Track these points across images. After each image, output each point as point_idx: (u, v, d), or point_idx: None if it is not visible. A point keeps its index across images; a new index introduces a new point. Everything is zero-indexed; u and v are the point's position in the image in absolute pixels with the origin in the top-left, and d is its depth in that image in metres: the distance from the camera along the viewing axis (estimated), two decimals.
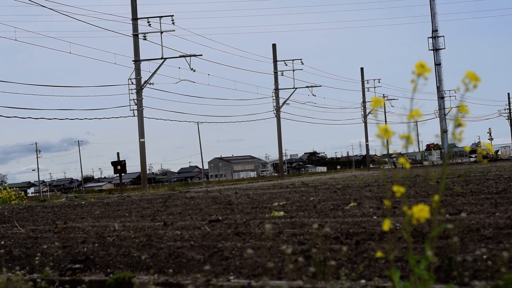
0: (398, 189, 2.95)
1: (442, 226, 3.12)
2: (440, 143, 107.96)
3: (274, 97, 64.45)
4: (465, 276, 4.82)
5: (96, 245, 7.44)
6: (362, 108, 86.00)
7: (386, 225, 2.98)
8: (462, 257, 5.11)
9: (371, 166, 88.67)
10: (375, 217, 8.57)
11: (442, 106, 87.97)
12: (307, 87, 67.94)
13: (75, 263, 6.63)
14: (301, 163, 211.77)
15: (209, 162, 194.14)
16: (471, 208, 8.91)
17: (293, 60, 65.50)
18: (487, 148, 3.17)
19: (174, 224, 9.18)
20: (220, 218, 9.55)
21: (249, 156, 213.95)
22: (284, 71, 65.41)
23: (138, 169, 54.75)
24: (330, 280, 5.08)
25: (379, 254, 3.16)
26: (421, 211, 2.91)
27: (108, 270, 6.36)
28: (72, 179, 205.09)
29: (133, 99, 42.82)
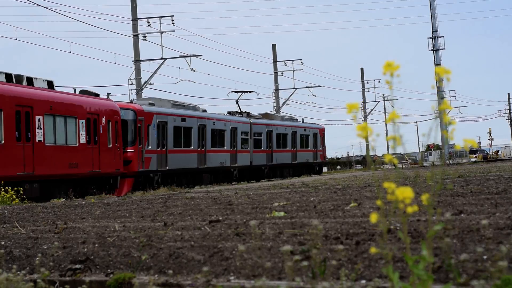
0: (389, 186, 2.96)
1: (438, 225, 3.13)
2: (435, 143, 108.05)
3: (274, 97, 64.45)
4: (464, 276, 4.82)
5: (96, 245, 7.45)
6: (362, 108, 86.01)
7: (373, 217, 2.99)
8: (462, 257, 5.11)
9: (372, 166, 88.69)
10: (374, 212, 8.58)
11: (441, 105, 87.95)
12: (307, 87, 68.01)
13: (75, 263, 6.64)
14: None
15: None
16: (471, 209, 8.92)
17: (293, 60, 65.58)
18: (470, 144, 3.20)
19: (174, 224, 9.19)
20: (220, 218, 9.56)
21: None
22: (284, 71, 65.45)
23: None
24: (330, 280, 5.09)
25: (373, 250, 3.17)
26: (404, 193, 2.93)
27: (108, 270, 6.37)
28: None
29: (133, 100, 42.90)
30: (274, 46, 66.15)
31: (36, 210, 14.28)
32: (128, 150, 29.87)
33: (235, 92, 47.55)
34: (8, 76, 23.78)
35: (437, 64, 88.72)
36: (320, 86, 70.16)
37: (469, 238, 6.22)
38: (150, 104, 33.21)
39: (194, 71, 44.83)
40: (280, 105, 64.02)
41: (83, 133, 26.59)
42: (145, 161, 30.94)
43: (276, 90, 64.55)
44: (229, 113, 44.63)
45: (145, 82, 43.36)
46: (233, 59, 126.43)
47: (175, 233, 8.00)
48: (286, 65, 65.44)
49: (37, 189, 24.10)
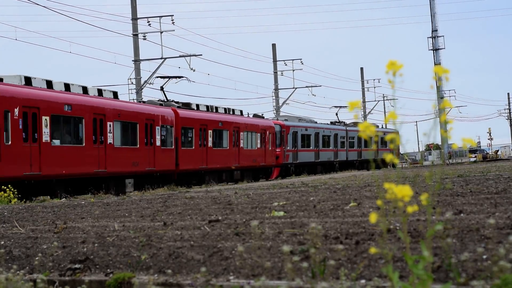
0: (390, 187, 2.96)
1: (438, 225, 3.13)
2: (435, 143, 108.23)
3: (274, 97, 64.45)
4: (464, 276, 4.82)
5: (96, 245, 7.45)
6: (362, 108, 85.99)
7: (373, 217, 2.99)
8: (462, 257, 5.11)
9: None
10: (374, 212, 8.56)
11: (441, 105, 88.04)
12: (307, 87, 68.02)
13: (75, 263, 6.64)
14: None
15: None
16: (471, 208, 8.92)
17: (293, 60, 65.58)
18: (469, 143, 3.20)
19: (174, 224, 9.19)
20: (220, 218, 9.56)
21: None
22: (284, 71, 65.43)
23: None
24: (329, 280, 5.09)
25: (373, 250, 3.17)
26: (403, 191, 2.93)
27: (108, 270, 6.37)
28: None
29: (133, 99, 43.00)
30: (274, 46, 66.12)
31: (36, 209, 14.28)
32: (277, 150, 47.23)
33: (336, 106, 64.97)
34: (227, 110, 41.09)
35: (437, 63, 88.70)
36: (320, 86, 70.43)
37: (469, 238, 6.22)
38: (285, 120, 51.25)
39: (194, 70, 44.91)
40: (280, 104, 64.01)
41: (258, 141, 43.68)
42: (286, 157, 48.60)
43: (276, 89, 64.52)
44: (331, 123, 61.11)
45: (145, 81, 43.35)
46: (233, 58, 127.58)
47: (174, 232, 8.00)
48: (286, 64, 65.43)
49: (239, 174, 40.79)
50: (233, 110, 42.65)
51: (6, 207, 16.06)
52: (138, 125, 30.20)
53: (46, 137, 24.44)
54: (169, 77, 38.66)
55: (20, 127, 23.20)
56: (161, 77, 39.25)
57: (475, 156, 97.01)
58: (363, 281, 5.08)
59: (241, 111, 43.87)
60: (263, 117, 47.93)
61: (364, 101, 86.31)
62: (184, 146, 34.43)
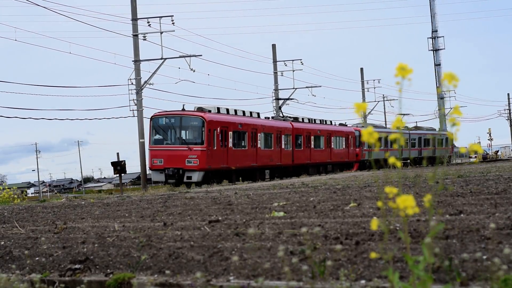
0: (391, 191, 2.96)
1: (439, 226, 3.13)
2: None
3: (274, 97, 64.40)
4: (464, 277, 4.82)
5: (96, 245, 7.45)
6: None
7: (374, 224, 2.99)
8: (462, 258, 5.11)
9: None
10: (375, 217, 8.57)
11: (442, 106, 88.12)
12: (307, 87, 68.00)
13: (75, 263, 6.64)
14: None
15: None
16: (471, 209, 8.92)
17: (293, 60, 65.48)
18: (476, 149, 3.20)
19: (174, 224, 9.19)
20: (220, 218, 9.56)
21: None
22: (284, 71, 65.39)
23: (138, 169, 55.02)
24: (329, 280, 5.09)
25: (373, 255, 3.16)
26: (405, 201, 2.92)
27: (108, 270, 6.37)
28: (72, 179, 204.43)
29: (133, 100, 42.86)
30: (274, 46, 66.09)
31: (36, 210, 14.28)
32: (356, 150, 61.47)
33: (406, 114, 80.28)
34: (322, 121, 56.18)
35: (437, 64, 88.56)
36: (320, 86, 70.36)
37: (469, 238, 6.22)
38: (362, 126, 61.75)
39: (194, 71, 44.81)
40: (280, 104, 63.99)
41: (344, 143, 58.68)
42: (363, 155, 62.39)
43: (276, 90, 64.51)
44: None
45: (145, 82, 43.33)
46: (233, 59, 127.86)
47: (174, 233, 7.99)
48: (286, 65, 65.33)
49: (331, 167, 55.24)
50: (325, 121, 58.07)
51: (6, 207, 16.05)
52: (272, 134, 46.75)
53: (230, 144, 40.11)
54: (285, 99, 57.33)
55: (220, 138, 38.95)
56: (277, 99, 57.24)
57: (475, 157, 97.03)
58: (363, 281, 5.08)
59: (331, 121, 59.19)
60: (346, 125, 63.19)
61: (364, 102, 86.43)
62: (297, 147, 50.44)
